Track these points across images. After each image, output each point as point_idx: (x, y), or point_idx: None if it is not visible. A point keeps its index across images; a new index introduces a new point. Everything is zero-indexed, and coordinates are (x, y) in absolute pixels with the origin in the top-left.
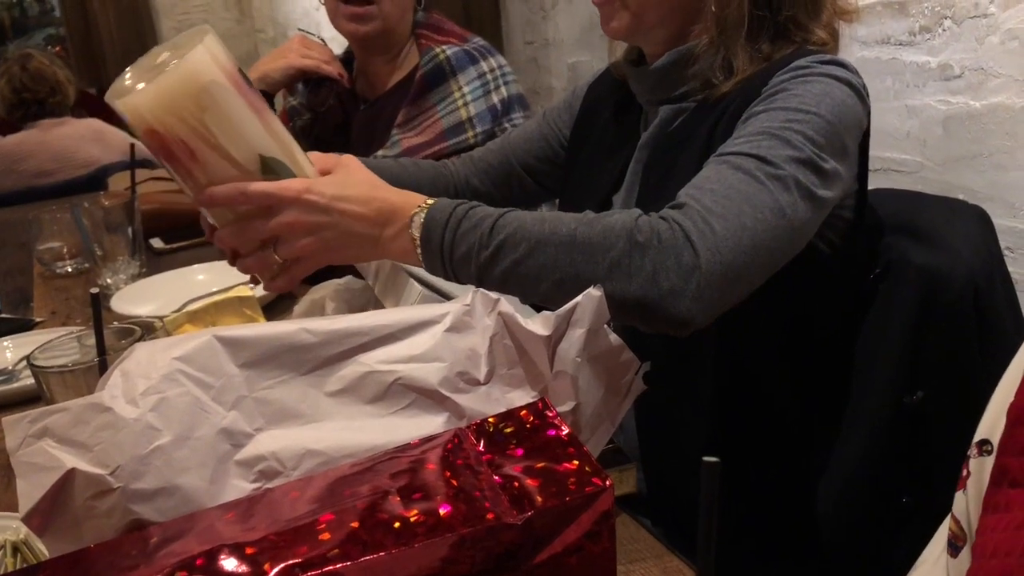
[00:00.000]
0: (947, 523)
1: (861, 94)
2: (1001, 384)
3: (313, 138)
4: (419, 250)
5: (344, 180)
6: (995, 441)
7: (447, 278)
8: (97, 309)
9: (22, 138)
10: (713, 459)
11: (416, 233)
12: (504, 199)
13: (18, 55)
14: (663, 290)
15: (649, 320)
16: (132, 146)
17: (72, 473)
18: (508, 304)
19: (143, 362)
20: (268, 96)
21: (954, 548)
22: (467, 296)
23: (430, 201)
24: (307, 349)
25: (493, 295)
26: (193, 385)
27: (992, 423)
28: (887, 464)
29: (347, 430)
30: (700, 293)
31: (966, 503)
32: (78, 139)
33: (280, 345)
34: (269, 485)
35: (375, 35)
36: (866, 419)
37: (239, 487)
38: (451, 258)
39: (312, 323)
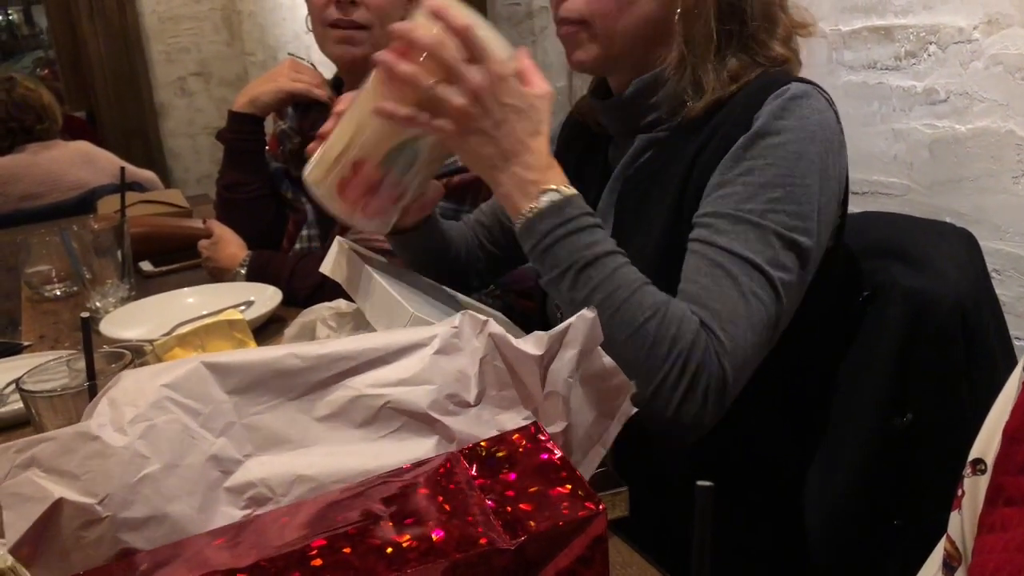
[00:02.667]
0: (942, 543)
1: (836, 130)
2: (996, 404)
3: (302, 162)
4: (527, 214)
5: (526, 105)
6: (989, 460)
7: (525, 249)
8: (87, 333)
9: (8, 161)
10: (706, 483)
11: (539, 204)
12: (504, 254)
13: (1, 80)
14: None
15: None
16: (122, 169)
17: (60, 503)
18: (498, 325)
19: (131, 390)
20: (258, 120)
21: (949, 568)
22: (455, 318)
23: (567, 190)
24: (296, 374)
25: (481, 317)
26: (181, 412)
27: (986, 442)
28: (877, 486)
29: (337, 455)
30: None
31: (961, 523)
32: (66, 163)
33: (269, 370)
34: (259, 511)
35: (364, 59)
36: (855, 442)
37: (229, 514)
38: (543, 247)
39: (300, 348)
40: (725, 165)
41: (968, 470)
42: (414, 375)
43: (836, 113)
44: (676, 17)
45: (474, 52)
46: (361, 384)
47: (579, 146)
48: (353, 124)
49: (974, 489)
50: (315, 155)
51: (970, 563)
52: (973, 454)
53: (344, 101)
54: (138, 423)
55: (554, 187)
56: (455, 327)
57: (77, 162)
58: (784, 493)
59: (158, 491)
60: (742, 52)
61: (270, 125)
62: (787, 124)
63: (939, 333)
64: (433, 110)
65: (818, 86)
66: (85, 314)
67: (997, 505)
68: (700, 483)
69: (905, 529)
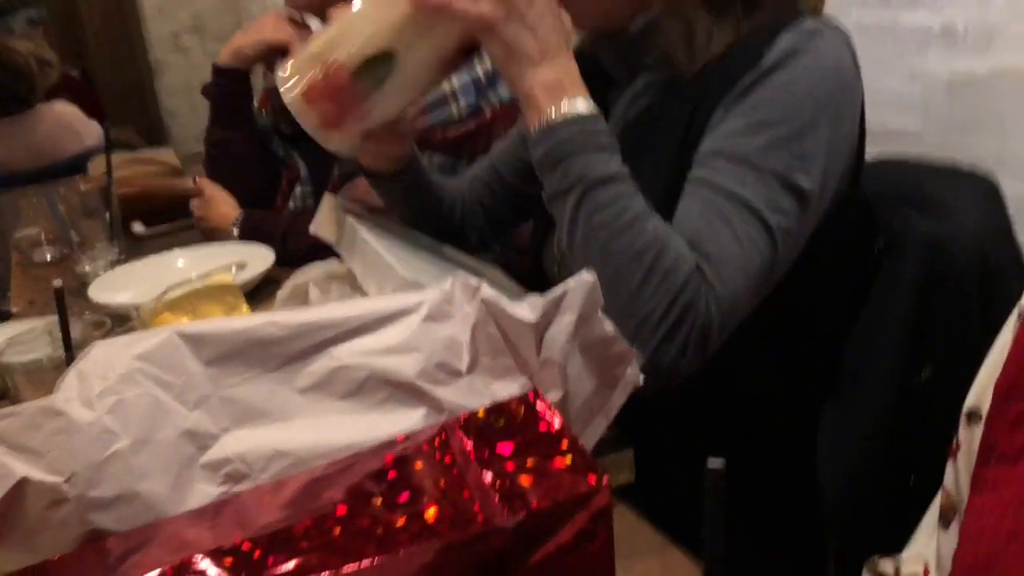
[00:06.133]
0: (939, 496)
1: (851, 69)
2: (991, 353)
3: (293, 116)
4: (551, 115)
5: (560, 14)
6: (984, 412)
7: (532, 154)
8: (61, 304)
9: None
10: (717, 462)
11: (567, 109)
12: (505, 210)
13: None
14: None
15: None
16: (106, 128)
17: (24, 482)
18: (491, 290)
19: (100, 362)
20: (243, 74)
21: (945, 521)
22: (446, 283)
23: (594, 105)
24: (275, 344)
25: (473, 282)
26: (153, 385)
27: (980, 394)
28: (894, 443)
29: (318, 428)
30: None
31: (955, 475)
32: (51, 139)
33: (246, 340)
34: (236, 489)
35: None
36: (872, 399)
37: (204, 491)
38: (559, 155)
39: (280, 316)
40: (730, 101)
41: (963, 421)
42: (401, 343)
43: (854, 53)
44: None
45: None
46: (344, 353)
47: None
48: (339, 24)
49: (969, 440)
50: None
51: (962, 522)
52: (968, 406)
53: (340, 8)
54: (107, 397)
55: (584, 97)
56: (445, 292)
57: (63, 137)
58: (797, 451)
59: (128, 468)
60: (750, 7)
61: (260, 81)
62: (798, 62)
63: (958, 282)
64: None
65: (835, 23)
66: (58, 282)
67: (989, 463)
68: (711, 462)
69: (922, 485)
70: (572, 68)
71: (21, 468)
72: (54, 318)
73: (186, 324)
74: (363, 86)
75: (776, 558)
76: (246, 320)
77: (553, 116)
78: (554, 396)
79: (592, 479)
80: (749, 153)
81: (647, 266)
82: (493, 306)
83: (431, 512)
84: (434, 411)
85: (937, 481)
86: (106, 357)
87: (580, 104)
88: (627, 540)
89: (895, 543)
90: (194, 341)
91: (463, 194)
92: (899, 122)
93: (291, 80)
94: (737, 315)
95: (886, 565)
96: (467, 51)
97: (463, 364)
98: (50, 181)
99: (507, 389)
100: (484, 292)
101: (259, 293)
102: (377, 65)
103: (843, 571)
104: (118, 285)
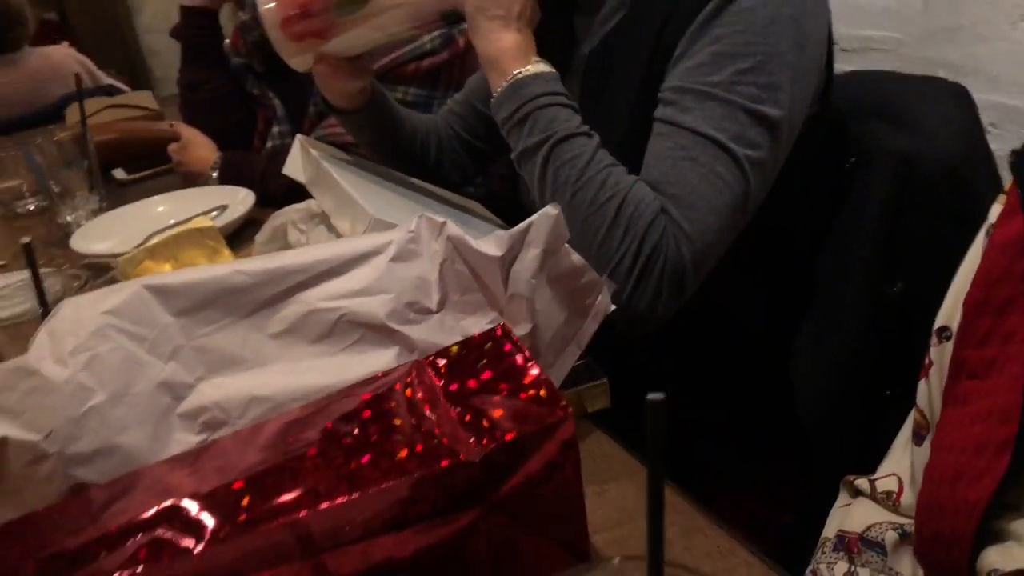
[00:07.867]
0: (913, 413)
1: None
2: (961, 269)
3: (266, 53)
4: (517, 74)
5: None
6: (954, 329)
7: (497, 115)
8: (32, 260)
9: None
10: (658, 396)
11: (531, 68)
12: (483, 144)
13: None
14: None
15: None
16: (77, 76)
17: (4, 441)
18: (456, 227)
19: (70, 319)
20: (211, 13)
21: (918, 437)
22: (412, 222)
23: (549, 66)
24: (243, 291)
25: (439, 219)
26: (126, 339)
27: (951, 311)
28: (868, 357)
29: (293, 373)
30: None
31: (928, 392)
32: (36, 81)
33: (214, 289)
34: (215, 436)
35: None
36: (846, 313)
37: (183, 441)
38: (526, 111)
39: (247, 263)
40: (693, 33)
41: (934, 339)
42: (370, 285)
43: None
44: None
45: None
46: (314, 297)
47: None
48: None
49: (940, 357)
50: None
51: (934, 436)
52: (938, 322)
53: None
54: (80, 353)
55: (545, 61)
56: (411, 231)
57: (47, 78)
58: (773, 370)
59: (106, 423)
60: None
61: (231, 19)
62: None
63: (928, 196)
64: None
65: None
66: (26, 239)
67: (960, 378)
68: (651, 396)
69: (898, 398)
70: (531, 37)
71: (0, 427)
72: (42, 271)
73: (153, 277)
74: (336, 9)
75: (757, 477)
76: (213, 269)
77: (520, 74)
78: (522, 329)
79: (559, 411)
80: (714, 87)
81: (610, 216)
82: (460, 243)
83: (402, 450)
84: (406, 350)
85: (910, 398)
86: (75, 315)
87: (544, 65)
88: (603, 465)
89: (871, 459)
90: (162, 293)
91: (438, 130)
92: (875, 34)
93: None
94: (712, 253)
95: (862, 482)
96: (446, 16)
97: (433, 302)
98: (34, 127)
99: (477, 325)
100: (450, 229)
101: (241, 235)
102: None
103: (821, 488)
104: (100, 234)
